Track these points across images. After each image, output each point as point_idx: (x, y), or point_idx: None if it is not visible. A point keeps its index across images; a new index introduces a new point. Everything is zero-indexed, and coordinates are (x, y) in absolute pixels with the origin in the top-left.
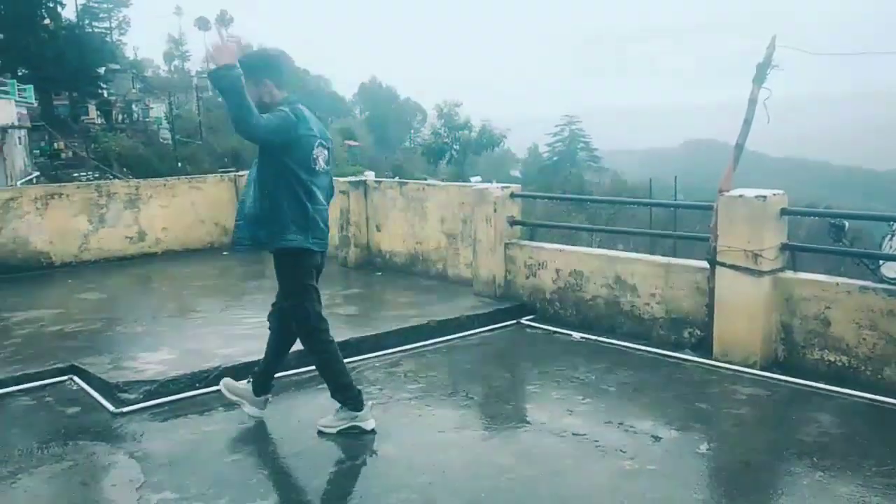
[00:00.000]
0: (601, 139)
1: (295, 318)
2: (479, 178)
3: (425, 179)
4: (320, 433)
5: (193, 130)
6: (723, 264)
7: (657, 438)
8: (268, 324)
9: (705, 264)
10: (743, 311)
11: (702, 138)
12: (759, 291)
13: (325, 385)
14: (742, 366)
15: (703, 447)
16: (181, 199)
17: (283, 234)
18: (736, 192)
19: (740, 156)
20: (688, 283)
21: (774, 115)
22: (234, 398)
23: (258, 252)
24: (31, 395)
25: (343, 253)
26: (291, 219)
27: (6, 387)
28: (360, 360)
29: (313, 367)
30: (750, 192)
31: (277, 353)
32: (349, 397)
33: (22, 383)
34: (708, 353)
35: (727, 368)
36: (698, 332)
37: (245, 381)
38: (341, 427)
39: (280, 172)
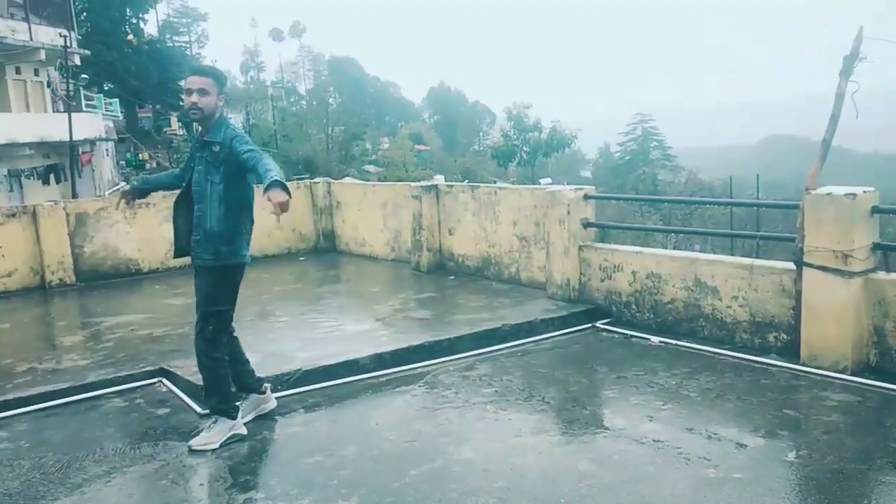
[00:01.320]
0: (675, 137)
1: (217, 325)
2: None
3: (495, 182)
4: (193, 452)
5: (269, 139)
6: (810, 265)
7: (742, 446)
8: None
9: (791, 265)
10: (832, 313)
11: (782, 134)
12: (850, 293)
13: (403, 387)
14: (832, 371)
15: (792, 455)
16: (259, 206)
17: (241, 251)
18: (823, 189)
19: (827, 152)
20: (773, 285)
21: (863, 109)
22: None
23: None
24: (123, 396)
25: (416, 257)
26: (246, 237)
27: (100, 388)
28: (435, 363)
29: (389, 371)
30: (839, 190)
31: (236, 359)
32: (233, 407)
33: (115, 385)
34: (795, 357)
35: (816, 374)
36: (784, 336)
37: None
38: (224, 439)
39: (244, 194)
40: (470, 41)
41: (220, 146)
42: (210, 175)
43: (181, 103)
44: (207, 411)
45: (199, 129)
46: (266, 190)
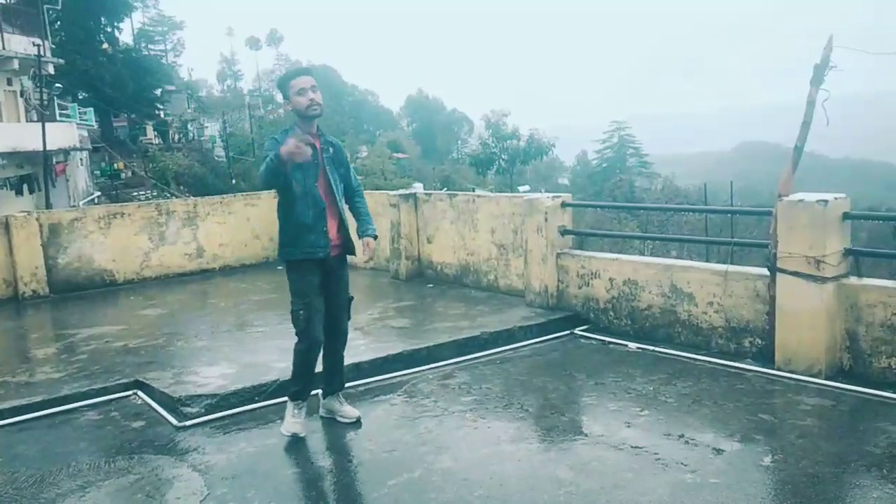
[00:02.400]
0: (652, 145)
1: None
2: (527, 188)
3: (473, 190)
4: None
5: (246, 147)
6: (784, 271)
7: (719, 451)
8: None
9: (765, 271)
10: (806, 318)
11: (756, 140)
12: (823, 298)
13: (381, 396)
14: (806, 375)
15: (767, 459)
16: (237, 215)
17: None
18: (796, 196)
19: (799, 159)
20: (747, 290)
21: (833, 115)
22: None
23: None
24: (97, 409)
25: (394, 266)
26: None
27: (74, 402)
28: (413, 372)
29: (368, 380)
30: (810, 196)
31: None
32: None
33: (89, 398)
34: (770, 362)
35: (790, 378)
36: (759, 341)
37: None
38: (285, 423)
39: None
40: (448, 49)
41: (335, 147)
42: (336, 173)
43: (156, 111)
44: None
45: (298, 129)
46: (367, 235)
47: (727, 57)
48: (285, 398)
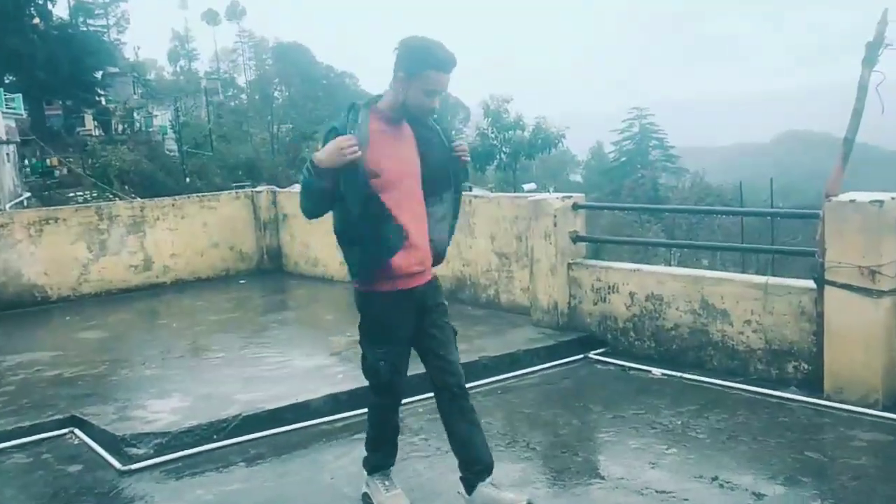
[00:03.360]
0: (678, 135)
1: None
2: (533, 186)
3: (470, 189)
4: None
5: (203, 140)
6: (833, 283)
7: (759, 496)
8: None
9: (811, 284)
10: (860, 339)
11: (799, 129)
12: (879, 315)
13: (362, 434)
14: (860, 406)
15: None
16: (191, 220)
17: None
18: (846, 196)
19: (850, 153)
20: (791, 306)
21: (889, 102)
22: None
23: None
24: (26, 451)
25: None
26: None
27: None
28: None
29: (347, 415)
30: (863, 196)
31: None
32: (365, 461)
33: (16, 438)
34: (818, 390)
35: (842, 409)
36: (805, 366)
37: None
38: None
39: None
40: (438, 25)
41: (436, 133)
42: (437, 166)
43: (97, 98)
44: None
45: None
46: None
47: (765, 33)
48: (239, 438)
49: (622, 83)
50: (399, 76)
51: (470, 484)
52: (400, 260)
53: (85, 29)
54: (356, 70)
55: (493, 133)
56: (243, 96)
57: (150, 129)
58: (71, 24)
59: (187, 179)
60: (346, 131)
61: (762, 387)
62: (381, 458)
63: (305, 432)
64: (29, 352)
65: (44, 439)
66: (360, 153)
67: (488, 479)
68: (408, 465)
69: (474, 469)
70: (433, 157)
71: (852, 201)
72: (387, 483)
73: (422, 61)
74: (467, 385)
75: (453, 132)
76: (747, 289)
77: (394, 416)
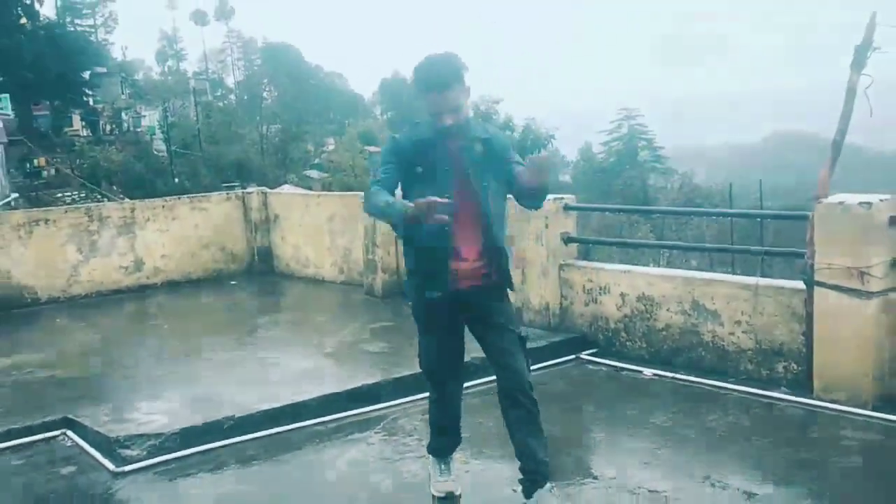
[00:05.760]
0: (667, 135)
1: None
2: None
3: None
4: None
5: (192, 140)
6: (822, 285)
7: (751, 495)
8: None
9: (801, 285)
10: (849, 339)
11: (789, 129)
12: (868, 316)
13: (356, 434)
14: (850, 405)
15: None
16: (182, 221)
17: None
18: (835, 198)
19: (838, 155)
20: (780, 307)
21: (878, 104)
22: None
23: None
24: (18, 453)
25: (369, 280)
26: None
27: None
28: (393, 405)
29: (341, 415)
30: (852, 198)
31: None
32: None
33: (8, 440)
34: (807, 390)
35: (831, 409)
36: (795, 367)
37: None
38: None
39: None
40: (427, 26)
41: (487, 143)
42: (488, 178)
43: (85, 98)
44: None
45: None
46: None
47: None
48: (233, 439)
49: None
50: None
51: (527, 490)
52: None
53: (72, 29)
54: (345, 70)
55: None
56: (232, 96)
57: (139, 130)
58: (58, 23)
59: (176, 180)
60: (409, 143)
61: (752, 387)
62: (438, 443)
63: (299, 433)
64: (19, 354)
65: (36, 441)
66: (447, 221)
67: (541, 489)
68: (402, 466)
69: (531, 476)
70: (475, 169)
71: (841, 203)
72: (441, 468)
73: (419, 86)
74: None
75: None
76: (738, 290)
77: (444, 405)
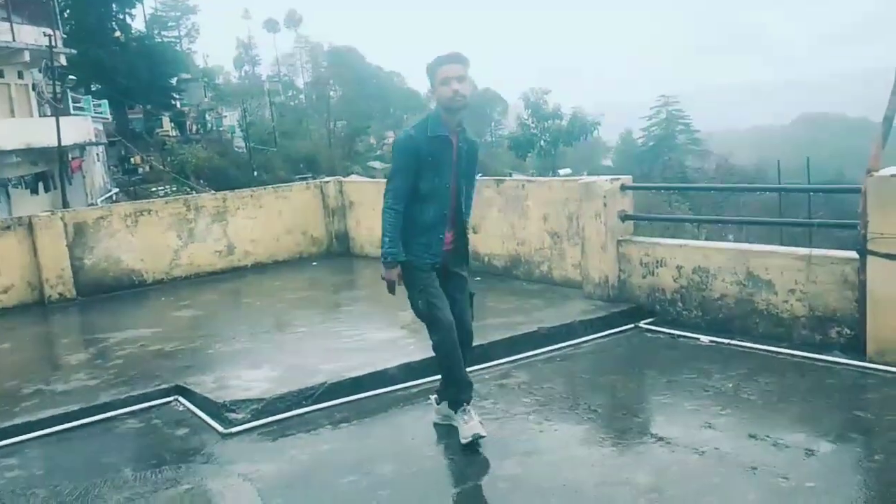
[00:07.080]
0: (703, 120)
1: None
2: (568, 171)
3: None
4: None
5: (267, 137)
6: (875, 253)
7: (812, 452)
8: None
9: (853, 254)
10: None
11: (815, 112)
12: None
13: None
14: None
15: (867, 461)
16: (268, 209)
17: None
18: (887, 171)
19: (889, 130)
20: (833, 276)
21: None
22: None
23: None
24: (138, 417)
25: None
26: None
27: (114, 409)
28: (468, 372)
29: (420, 381)
30: None
31: None
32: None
33: (129, 406)
34: (861, 354)
35: (886, 371)
36: (848, 331)
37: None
38: (438, 419)
39: None
40: (478, 26)
41: (469, 147)
42: (465, 175)
43: (172, 101)
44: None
45: (441, 117)
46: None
47: (785, 24)
48: (326, 403)
49: (652, 74)
50: (429, 90)
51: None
52: None
53: (160, 40)
54: (403, 69)
55: (533, 123)
56: (302, 97)
57: (221, 129)
58: (147, 35)
59: (255, 173)
60: (424, 138)
61: (807, 351)
62: (454, 393)
63: (384, 398)
64: (132, 329)
65: (152, 406)
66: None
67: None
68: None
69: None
70: (460, 166)
71: (893, 176)
72: (465, 417)
73: (431, 68)
74: (529, 353)
75: (492, 123)
76: (791, 260)
77: (451, 336)
